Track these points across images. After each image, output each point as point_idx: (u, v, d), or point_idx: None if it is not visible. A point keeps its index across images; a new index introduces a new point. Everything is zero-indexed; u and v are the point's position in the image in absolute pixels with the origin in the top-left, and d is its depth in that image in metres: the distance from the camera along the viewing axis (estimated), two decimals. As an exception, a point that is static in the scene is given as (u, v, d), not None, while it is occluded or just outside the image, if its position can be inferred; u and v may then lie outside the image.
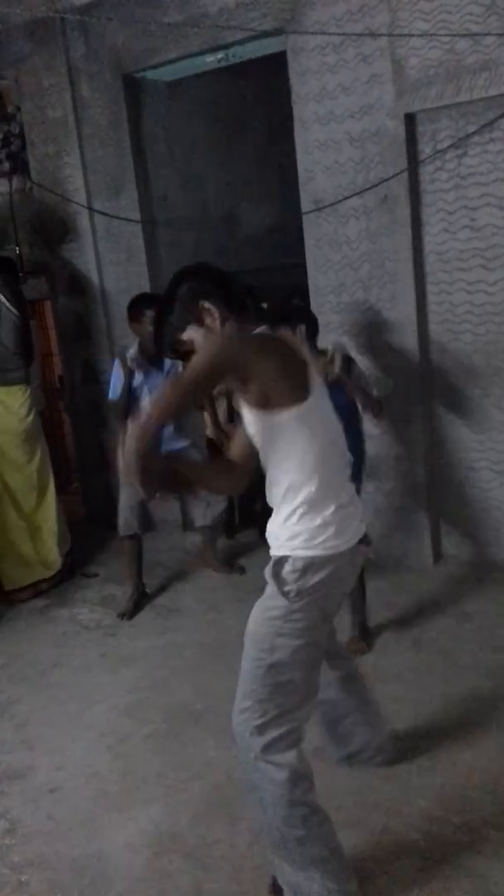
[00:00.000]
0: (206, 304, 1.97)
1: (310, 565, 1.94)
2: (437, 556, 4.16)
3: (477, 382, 3.85)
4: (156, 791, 2.68)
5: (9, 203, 4.95)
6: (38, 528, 4.38)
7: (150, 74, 4.60)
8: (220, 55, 4.28)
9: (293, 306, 3.87)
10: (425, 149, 3.73)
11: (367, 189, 3.83)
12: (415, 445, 4.01)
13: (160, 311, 2.05)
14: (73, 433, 5.28)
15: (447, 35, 3.47)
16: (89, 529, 5.10)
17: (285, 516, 1.97)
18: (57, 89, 4.75)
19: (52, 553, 4.39)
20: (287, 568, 1.95)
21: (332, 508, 1.95)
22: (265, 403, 1.88)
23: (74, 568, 4.56)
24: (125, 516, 3.98)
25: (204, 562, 4.41)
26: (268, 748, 2.00)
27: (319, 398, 1.95)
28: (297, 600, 1.94)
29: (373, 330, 3.99)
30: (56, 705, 3.28)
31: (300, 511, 1.95)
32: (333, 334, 4.09)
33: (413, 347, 3.90)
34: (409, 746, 2.75)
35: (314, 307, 4.17)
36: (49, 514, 4.40)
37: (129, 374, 3.87)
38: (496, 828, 2.36)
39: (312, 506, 1.94)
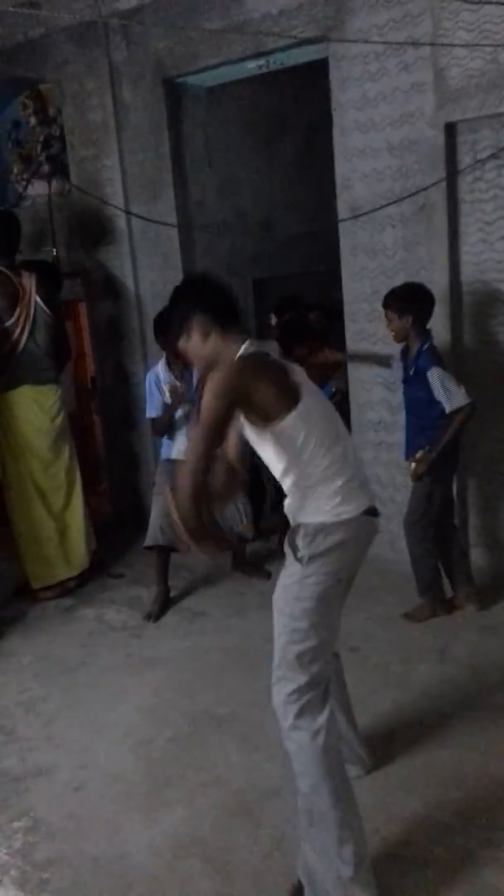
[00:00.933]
0: (194, 319, 2.22)
1: (320, 530, 2.13)
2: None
3: (510, 394, 3.83)
4: (178, 794, 2.69)
5: (48, 205, 5.01)
6: (66, 527, 4.41)
7: (190, 80, 4.63)
8: (261, 62, 4.30)
9: (295, 322, 4.21)
10: (465, 158, 3.72)
11: (405, 198, 3.82)
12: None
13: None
14: (103, 434, 5.32)
15: (490, 45, 3.46)
16: (117, 530, 5.13)
17: (298, 496, 2.18)
18: (98, 93, 4.80)
19: (79, 552, 4.42)
20: (300, 534, 2.15)
21: (338, 483, 2.14)
22: (266, 418, 2.11)
23: (101, 568, 4.60)
24: (154, 529, 4.01)
25: (234, 565, 4.43)
26: (300, 714, 2.13)
27: (310, 399, 2.15)
28: (308, 564, 2.12)
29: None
30: (81, 704, 3.30)
31: (309, 489, 2.15)
32: (366, 343, 4.09)
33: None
34: (433, 760, 2.74)
35: (348, 315, 4.17)
36: (77, 514, 4.44)
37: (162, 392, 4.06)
38: (520, 845, 2.34)
39: (319, 483, 2.14)
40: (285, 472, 2.18)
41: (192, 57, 4.39)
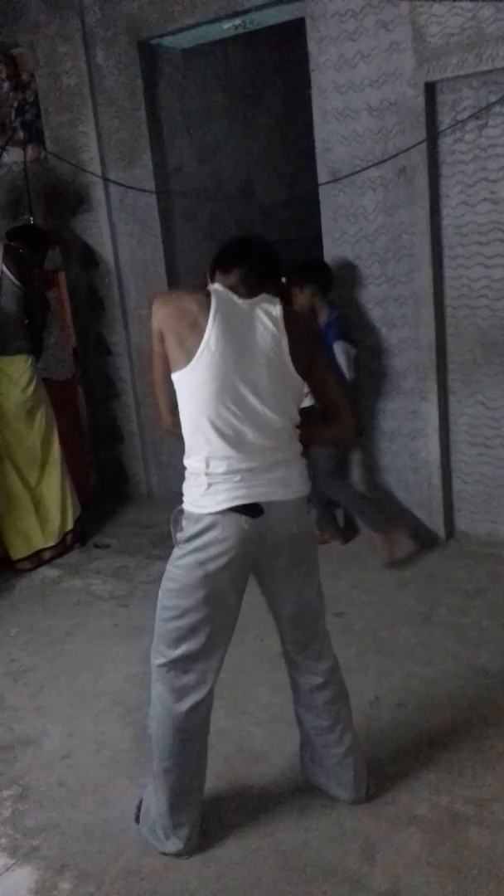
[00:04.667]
0: (209, 274, 2.20)
1: (188, 517, 2.10)
2: (449, 532, 4.15)
3: (493, 358, 3.81)
4: (166, 760, 2.71)
5: (23, 173, 4.92)
6: (41, 498, 4.39)
7: (165, 42, 4.53)
8: (237, 22, 4.19)
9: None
10: (445, 119, 3.66)
11: (385, 160, 3.78)
12: (428, 421, 3.99)
13: None
14: (87, 405, 5.29)
15: (469, 1, 3.39)
16: (102, 500, 5.13)
17: (185, 473, 2.15)
18: (72, 57, 4.69)
19: (54, 523, 4.41)
20: (181, 517, 2.13)
21: (210, 472, 2.06)
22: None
23: (85, 538, 4.59)
24: None
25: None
26: (168, 683, 2.20)
27: (211, 367, 2.02)
28: (180, 547, 2.11)
29: (388, 304, 3.96)
30: (69, 674, 3.31)
31: (188, 469, 2.13)
32: (347, 309, 4.06)
33: (429, 322, 3.86)
34: (419, 721, 2.78)
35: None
36: (53, 485, 4.41)
37: None
38: (504, 802, 2.38)
39: (193, 467, 2.11)
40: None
41: (166, 17, 4.30)
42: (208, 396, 2.03)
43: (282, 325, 2.09)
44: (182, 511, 2.12)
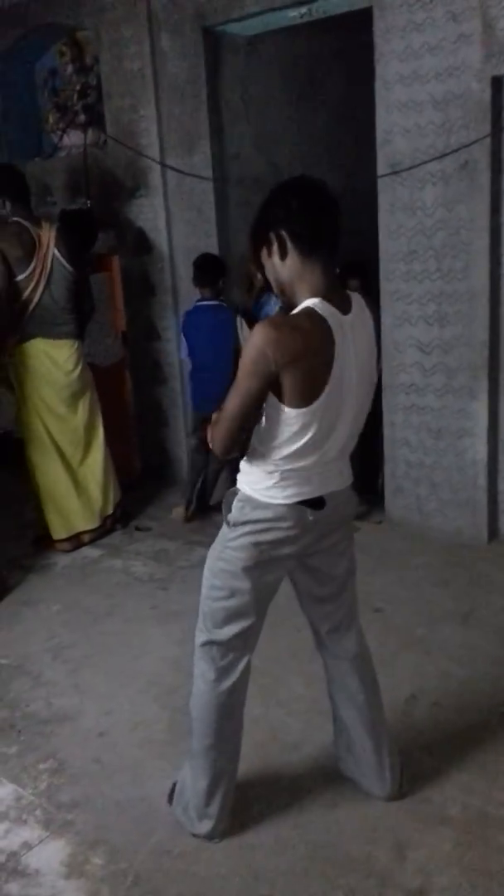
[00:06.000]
0: (273, 233, 1.96)
1: (248, 501, 2.08)
2: (493, 533, 4.10)
3: (547, 360, 3.76)
4: (200, 744, 2.73)
5: (82, 156, 4.95)
6: (83, 481, 4.43)
7: (230, 28, 4.51)
8: (303, 10, 4.16)
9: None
10: (510, 114, 3.61)
11: (447, 154, 3.72)
12: (477, 420, 3.94)
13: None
14: (134, 389, 5.32)
15: (542, -6, 3.33)
16: (145, 484, 5.17)
17: (247, 459, 2.10)
18: (136, 41, 4.70)
19: (95, 506, 4.45)
20: (235, 498, 2.12)
21: (284, 468, 2.03)
22: (278, 396, 1.94)
23: (126, 521, 4.63)
24: None
25: None
26: (211, 662, 2.22)
27: (331, 406, 1.96)
28: (233, 529, 2.11)
29: (442, 299, 3.91)
30: (107, 653, 3.36)
31: (254, 459, 2.07)
32: (401, 303, 4.03)
33: (483, 320, 3.81)
34: (454, 721, 2.76)
35: (383, 274, 4.10)
36: (95, 468, 4.44)
37: None
38: (538, 808, 2.35)
39: (265, 460, 2.05)
40: (256, 432, 2.07)
41: (232, 4, 4.28)
42: (323, 433, 1.98)
43: (374, 338, 2.08)
44: (235, 493, 2.12)
